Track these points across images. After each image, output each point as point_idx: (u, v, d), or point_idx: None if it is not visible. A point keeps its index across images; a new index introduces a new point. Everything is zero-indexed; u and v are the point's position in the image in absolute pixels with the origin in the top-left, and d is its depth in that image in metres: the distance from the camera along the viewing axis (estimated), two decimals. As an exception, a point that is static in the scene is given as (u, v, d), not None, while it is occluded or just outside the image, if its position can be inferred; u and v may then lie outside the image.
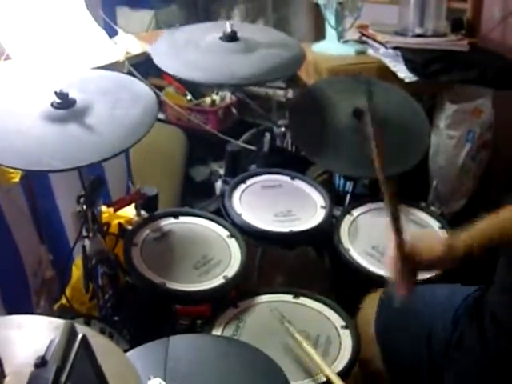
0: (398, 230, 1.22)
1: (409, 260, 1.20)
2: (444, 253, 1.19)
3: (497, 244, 1.19)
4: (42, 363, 0.71)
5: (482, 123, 2.29)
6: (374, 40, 2.32)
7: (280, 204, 1.69)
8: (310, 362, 1.26)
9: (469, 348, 1.24)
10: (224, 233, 1.61)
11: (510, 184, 2.49)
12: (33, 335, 0.94)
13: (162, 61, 1.70)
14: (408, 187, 1.98)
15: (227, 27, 1.73)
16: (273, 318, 1.38)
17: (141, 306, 1.61)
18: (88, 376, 0.79)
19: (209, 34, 1.78)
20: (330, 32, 2.36)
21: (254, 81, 1.78)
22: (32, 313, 1.82)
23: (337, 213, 1.71)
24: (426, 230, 1.68)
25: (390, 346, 1.39)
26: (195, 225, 1.64)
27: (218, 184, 1.93)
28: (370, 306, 1.45)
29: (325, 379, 1.22)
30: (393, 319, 1.40)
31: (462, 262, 1.21)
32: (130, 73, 2.01)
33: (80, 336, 0.76)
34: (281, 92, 2.66)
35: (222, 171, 2.28)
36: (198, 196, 2.57)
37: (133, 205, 1.70)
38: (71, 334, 0.76)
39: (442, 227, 1.67)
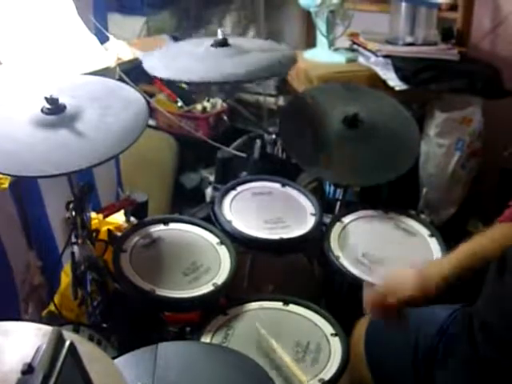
0: None
1: (384, 302, 1.24)
2: (416, 291, 1.22)
3: (472, 271, 1.22)
4: (28, 370, 0.70)
5: (472, 132, 2.31)
6: (365, 48, 2.33)
7: (270, 211, 1.69)
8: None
9: (459, 357, 1.24)
10: (214, 240, 1.61)
11: (499, 193, 2.51)
12: (20, 342, 0.94)
13: (153, 66, 1.70)
14: (398, 195, 2.00)
15: (219, 34, 1.73)
16: (261, 325, 1.38)
17: (130, 312, 1.60)
18: (75, 383, 0.78)
19: (201, 45, 1.78)
20: (321, 40, 2.37)
21: (244, 78, 1.76)
22: (20, 319, 1.80)
23: (327, 220, 1.71)
24: (416, 237, 1.69)
25: (379, 365, 1.40)
26: (185, 231, 1.64)
27: (209, 191, 1.94)
28: (362, 328, 1.46)
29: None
30: (380, 337, 1.41)
31: (438, 293, 1.23)
32: (120, 79, 2.00)
33: (68, 343, 0.76)
34: (272, 99, 2.68)
35: (212, 178, 2.28)
36: (188, 203, 2.56)
37: (122, 211, 1.70)
38: (59, 340, 0.75)
39: (432, 235, 1.68)
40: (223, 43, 1.73)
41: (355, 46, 2.40)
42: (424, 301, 1.23)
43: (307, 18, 2.74)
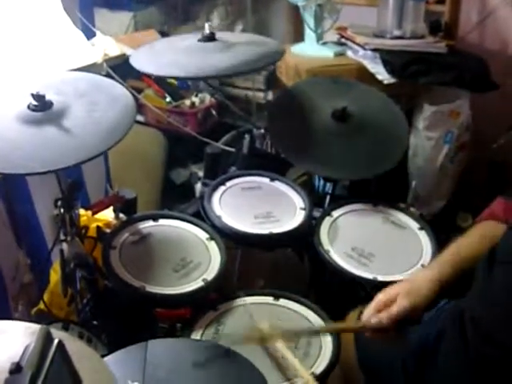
0: None
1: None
2: (407, 301, 1.22)
3: (460, 273, 1.25)
4: (16, 369, 0.70)
5: (460, 125, 2.31)
6: (353, 42, 2.33)
7: (260, 206, 1.69)
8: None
9: (449, 350, 1.25)
10: (203, 235, 1.60)
11: (488, 186, 2.52)
12: (9, 341, 0.93)
13: (140, 62, 1.69)
14: (387, 188, 2.00)
15: (206, 28, 1.73)
16: (252, 320, 1.38)
17: (120, 310, 1.60)
18: (64, 382, 0.78)
19: (188, 39, 1.77)
20: (309, 34, 2.37)
21: (232, 71, 1.75)
22: (9, 318, 1.79)
23: (316, 214, 1.71)
24: (405, 231, 1.69)
25: (368, 358, 1.41)
26: (174, 227, 1.63)
27: (198, 186, 1.93)
28: (352, 321, 1.46)
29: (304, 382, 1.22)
30: None
31: (431, 298, 1.25)
32: (108, 75, 1.99)
33: (56, 341, 0.75)
34: (260, 94, 2.67)
35: (201, 173, 2.27)
36: (177, 198, 2.56)
37: (111, 208, 1.69)
38: (47, 339, 0.75)
39: (421, 228, 1.68)
40: (210, 38, 1.73)
41: (343, 40, 2.40)
42: (416, 311, 1.23)
43: (295, 12, 2.74)
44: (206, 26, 1.73)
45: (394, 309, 1.23)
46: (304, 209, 1.70)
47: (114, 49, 2.26)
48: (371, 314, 1.25)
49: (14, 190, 1.87)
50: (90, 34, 2.22)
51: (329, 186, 1.86)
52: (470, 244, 1.31)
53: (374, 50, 2.24)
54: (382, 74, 2.19)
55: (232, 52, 1.70)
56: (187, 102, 2.78)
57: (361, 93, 1.94)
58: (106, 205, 1.67)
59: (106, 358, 1.11)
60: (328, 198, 1.83)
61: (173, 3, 3.04)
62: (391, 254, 1.60)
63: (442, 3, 2.44)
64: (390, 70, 2.19)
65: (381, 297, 1.27)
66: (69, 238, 1.52)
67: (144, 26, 2.87)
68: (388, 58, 2.21)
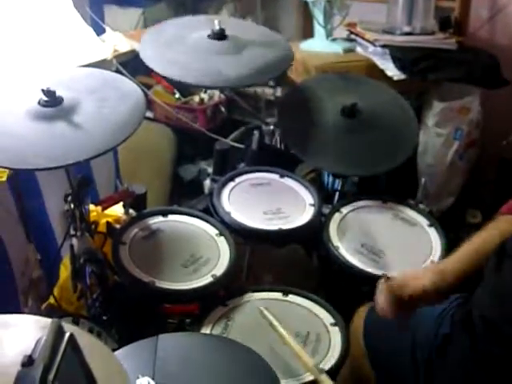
0: None
1: (397, 301, 1.22)
2: (431, 284, 1.20)
3: (481, 266, 1.22)
4: (29, 362, 0.70)
5: (470, 121, 2.30)
6: (363, 38, 2.32)
7: (269, 202, 1.69)
8: (295, 358, 1.26)
9: (458, 348, 1.24)
10: (213, 231, 1.61)
11: (498, 183, 2.51)
12: (20, 334, 0.94)
13: (151, 60, 1.69)
14: (397, 185, 1.99)
15: (215, 24, 1.72)
16: (261, 315, 1.38)
17: (129, 304, 1.60)
18: (76, 375, 0.78)
19: (196, 30, 1.77)
20: (319, 30, 2.36)
21: (243, 83, 1.77)
22: (19, 313, 1.80)
23: (326, 211, 1.71)
24: (415, 228, 1.68)
25: (377, 354, 1.40)
26: (184, 223, 1.64)
27: (207, 182, 1.93)
28: (361, 318, 1.46)
29: (313, 377, 1.22)
30: (379, 327, 1.41)
31: (450, 291, 1.23)
32: (118, 71, 2.00)
33: (67, 335, 0.76)
34: (269, 90, 2.66)
35: (210, 169, 2.28)
36: (186, 195, 2.56)
37: (121, 203, 1.69)
38: (59, 332, 0.75)
39: (431, 225, 1.68)
40: (221, 35, 1.72)
41: (353, 36, 2.39)
42: (437, 296, 1.22)
43: (304, 8, 2.73)
44: (216, 21, 1.72)
45: (420, 287, 1.21)
46: (313, 205, 1.70)
47: (124, 45, 2.26)
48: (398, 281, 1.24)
49: (24, 185, 1.88)
50: (99, 30, 2.23)
51: (338, 183, 1.86)
52: (488, 239, 1.29)
53: (384, 46, 2.23)
54: (392, 71, 2.18)
55: (243, 56, 1.70)
56: (196, 98, 2.77)
57: (370, 89, 1.94)
58: (116, 200, 1.67)
59: (116, 353, 1.11)
60: (337, 194, 1.83)
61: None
62: (401, 251, 1.59)
63: (452, -1, 2.43)
64: (400, 66, 2.18)
65: (409, 272, 1.26)
66: (79, 234, 1.53)
67: (153, 23, 2.85)
68: (398, 54, 2.20)
